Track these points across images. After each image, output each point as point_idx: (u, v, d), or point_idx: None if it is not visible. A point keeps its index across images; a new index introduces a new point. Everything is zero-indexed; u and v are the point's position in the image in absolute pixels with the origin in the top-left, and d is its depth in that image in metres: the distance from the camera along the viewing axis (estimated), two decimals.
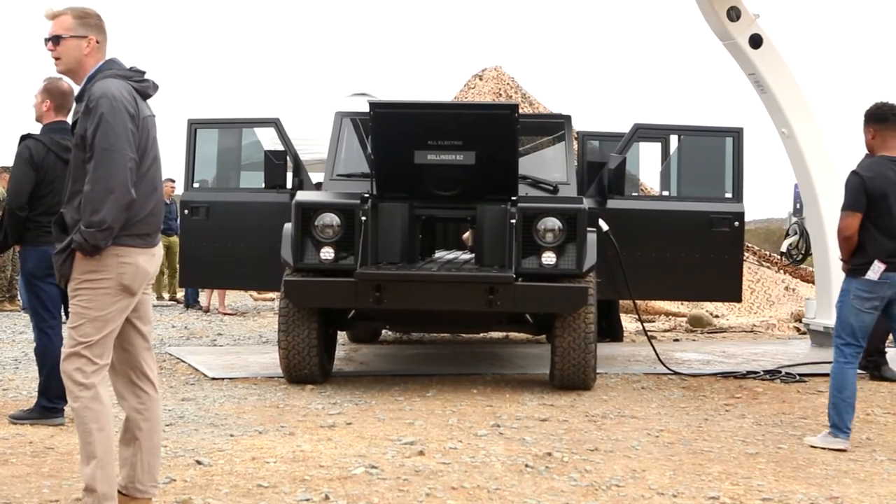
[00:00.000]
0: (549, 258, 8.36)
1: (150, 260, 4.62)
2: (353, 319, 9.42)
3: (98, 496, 4.45)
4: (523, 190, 9.20)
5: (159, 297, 17.79)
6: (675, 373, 9.64)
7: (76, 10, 4.63)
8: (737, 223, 9.87)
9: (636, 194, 11.49)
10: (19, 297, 15.22)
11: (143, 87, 4.65)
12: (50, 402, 7.08)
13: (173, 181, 17.16)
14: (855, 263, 6.64)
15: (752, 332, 13.84)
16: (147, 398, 4.71)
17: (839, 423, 6.64)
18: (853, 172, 6.67)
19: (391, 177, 8.84)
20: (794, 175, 11.86)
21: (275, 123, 10.22)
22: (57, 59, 4.63)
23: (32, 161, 6.99)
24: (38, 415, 7.10)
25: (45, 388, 7.09)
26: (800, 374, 9.49)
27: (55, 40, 4.61)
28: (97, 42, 4.63)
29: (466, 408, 7.82)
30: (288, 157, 9.91)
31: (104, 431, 4.47)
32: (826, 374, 9.25)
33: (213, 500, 5.11)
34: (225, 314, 15.54)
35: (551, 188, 9.64)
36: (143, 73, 4.69)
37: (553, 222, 8.39)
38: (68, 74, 4.70)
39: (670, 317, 14.89)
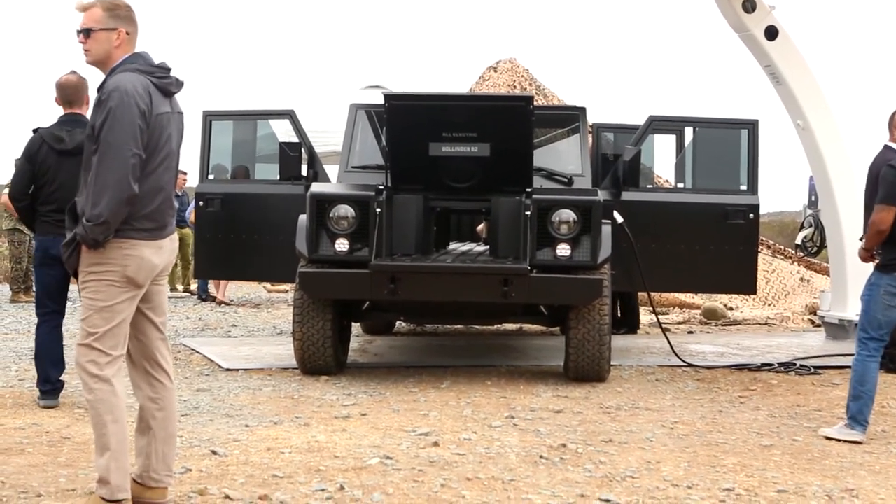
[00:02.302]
0: (563, 250, 8.36)
1: (158, 252, 4.61)
2: (367, 311, 9.43)
3: (112, 488, 4.46)
4: (538, 182, 9.19)
5: (173, 289, 17.83)
6: (690, 365, 9.63)
7: (106, 3, 4.61)
8: (751, 215, 9.84)
9: (651, 186, 11.47)
10: (34, 289, 15.28)
11: (165, 84, 4.64)
12: (40, 384, 7.40)
13: (185, 173, 17.18)
14: (888, 258, 6.61)
15: (766, 324, 13.81)
16: (161, 388, 4.73)
17: (858, 415, 6.63)
18: (889, 165, 6.62)
19: (406, 169, 8.84)
20: (810, 167, 11.83)
21: (290, 115, 10.22)
22: (87, 51, 4.64)
23: (27, 154, 7.28)
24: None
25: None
26: (814, 367, 9.48)
27: (86, 33, 4.61)
28: (127, 34, 4.62)
29: (481, 399, 7.83)
30: (303, 149, 9.92)
31: (118, 423, 4.49)
32: (841, 367, 9.31)
33: (229, 491, 5.12)
34: (222, 303, 15.55)
35: (566, 180, 9.63)
36: (169, 69, 4.68)
37: (568, 214, 8.38)
38: (97, 66, 4.68)
39: (685, 309, 14.87)
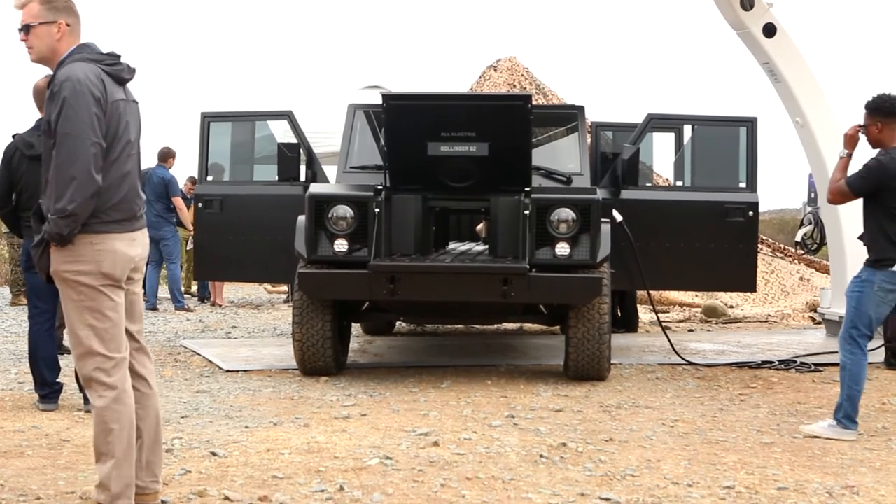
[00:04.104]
0: (563, 249, 8.35)
1: (130, 245, 4.51)
2: (367, 311, 9.42)
3: (112, 495, 4.41)
4: (537, 181, 9.18)
5: None
6: (690, 363, 9.63)
7: None
8: (751, 213, 9.83)
9: (650, 185, 11.47)
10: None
11: (117, 71, 4.53)
12: (38, 389, 7.42)
13: (195, 180, 17.16)
14: (882, 255, 6.61)
15: (766, 322, 13.80)
16: (141, 396, 4.62)
17: (853, 414, 6.63)
18: (875, 158, 6.67)
19: (405, 169, 8.83)
20: (809, 164, 11.82)
21: (288, 116, 10.22)
22: (30, 48, 4.55)
23: (4, 160, 7.33)
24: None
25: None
26: (815, 364, 9.47)
27: (25, 29, 4.52)
28: (68, 25, 4.52)
29: (481, 399, 7.83)
30: (301, 150, 9.91)
31: (124, 431, 4.42)
32: None
33: (229, 492, 5.11)
34: (218, 305, 15.55)
35: (565, 179, 9.62)
36: (118, 56, 4.58)
37: (567, 213, 8.38)
38: (43, 63, 4.59)
39: (685, 307, 14.86)
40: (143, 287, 14.58)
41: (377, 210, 8.40)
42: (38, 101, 7.31)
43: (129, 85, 4.66)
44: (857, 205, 10.78)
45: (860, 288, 6.67)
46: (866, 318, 6.63)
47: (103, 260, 4.41)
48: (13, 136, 7.37)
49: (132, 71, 4.63)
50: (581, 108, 10.29)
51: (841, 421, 6.63)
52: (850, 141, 6.86)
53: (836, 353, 9.89)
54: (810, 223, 12.33)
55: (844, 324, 6.77)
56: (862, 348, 6.67)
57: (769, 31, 11.19)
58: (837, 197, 6.86)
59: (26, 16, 4.53)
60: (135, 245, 4.55)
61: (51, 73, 7.29)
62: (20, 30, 4.55)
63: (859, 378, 6.65)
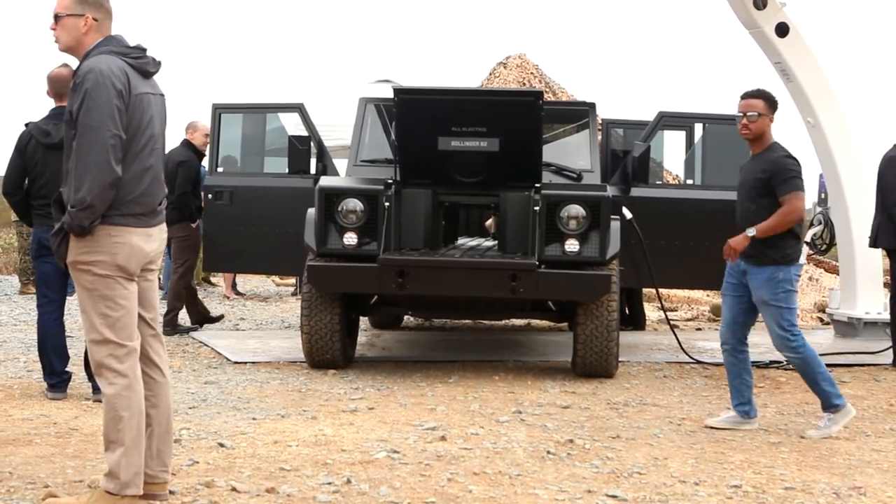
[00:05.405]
0: (572, 245, 8.34)
1: (147, 240, 4.57)
2: (375, 305, 9.42)
3: (121, 483, 4.43)
4: (547, 177, 9.17)
5: None
6: (698, 361, 9.61)
7: None
8: None
9: (660, 183, 11.45)
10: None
11: (142, 65, 4.59)
12: (46, 377, 7.42)
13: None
14: (792, 249, 6.67)
15: None
16: (154, 384, 4.67)
17: (836, 390, 6.69)
18: (791, 157, 6.70)
19: (415, 163, 8.83)
20: (820, 165, 11.80)
21: (299, 109, 10.23)
22: (56, 38, 4.63)
23: (17, 148, 7.31)
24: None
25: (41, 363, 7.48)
26: None
27: (55, 19, 4.61)
28: (95, 20, 4.58)
29: (488, 394, 7.83)
30: (312, 143, 9.92)
31: (134, 419, 4.45)
32: (849, 365, 9.29)
33: (236, 483, 5.12)
34: (228, 297, 15.55)
35: (575, 176, 9.62)
36: (144, 50, 4.64)
37: (576, 209, 8.37)
38: (69, 53, 4.67)
39: (693, 305, 14.83)
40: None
41: (387, 204, 8.40)
42: (51, 89, 7.32)
43: (154, 78, 4.71)
44: (867, 206, 10.77)
45: (783, 289, 6.63)
46: (794, 313, 6.69)
47: (119, 252, 4.46)
48: (26, 125, 7.36)
49: (157, 64, 4.69)
50: (592, 105, 10.28)
51: (834, 406, 6.64)
52: (745, 241, 6.74)
53: (845, 353, 9.98)
54: (820, 223, 12.31)
55: (777, 330, 6.68)
56: (800, 335, 6.69)
57: (782, 30, 11.15)
58: (801, 205, 6.69)
59: (57, 6, 4.62)
60: (151, 240, 4.61)
61: (67, 63, 7.34)
62: (53, 18, 4.63)
63: (818, 360, 6.69)
